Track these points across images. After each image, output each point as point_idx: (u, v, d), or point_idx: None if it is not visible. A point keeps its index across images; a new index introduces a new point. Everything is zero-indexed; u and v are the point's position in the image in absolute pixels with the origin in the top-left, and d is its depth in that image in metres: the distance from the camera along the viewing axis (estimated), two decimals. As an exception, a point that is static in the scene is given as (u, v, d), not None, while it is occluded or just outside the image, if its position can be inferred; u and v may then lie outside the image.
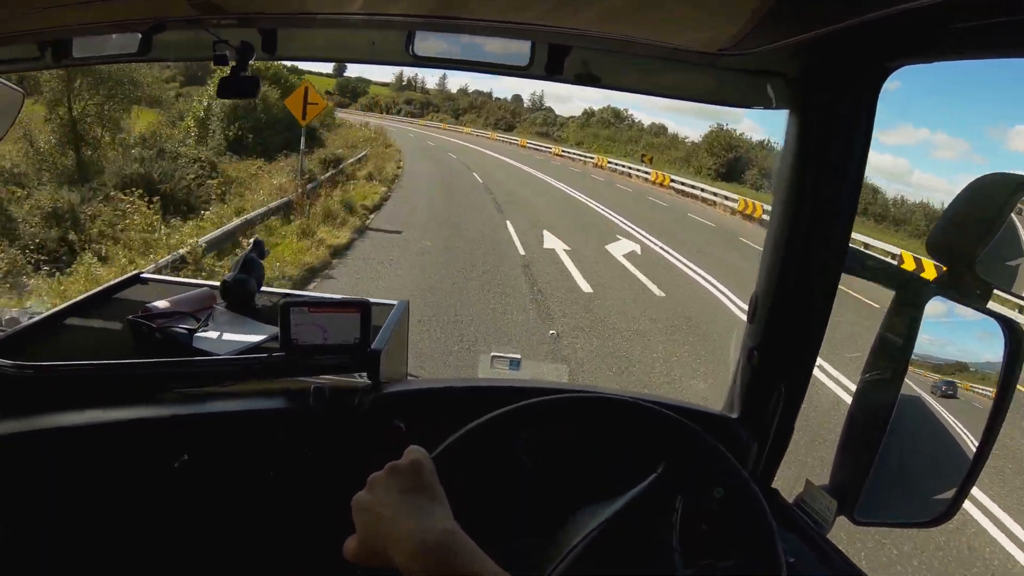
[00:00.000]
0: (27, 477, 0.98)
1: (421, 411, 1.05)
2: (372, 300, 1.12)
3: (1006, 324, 0.87)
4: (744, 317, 1.08)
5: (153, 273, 2.31)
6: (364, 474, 0.58)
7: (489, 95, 61.60)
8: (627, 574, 0.72)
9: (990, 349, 0.92)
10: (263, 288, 1.38)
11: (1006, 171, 0.81)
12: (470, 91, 62.32)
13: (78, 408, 1.01)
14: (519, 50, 0.99)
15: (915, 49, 0.79)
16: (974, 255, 0.81)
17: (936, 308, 0.91)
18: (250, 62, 1.08)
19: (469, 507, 0.58)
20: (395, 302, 1.34)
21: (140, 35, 1.11)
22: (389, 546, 0.52)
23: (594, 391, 0.90)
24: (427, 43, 1.02)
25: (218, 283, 1.34)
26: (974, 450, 0.91)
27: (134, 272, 1.44)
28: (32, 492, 0.99)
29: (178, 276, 1.59)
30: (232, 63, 1.07)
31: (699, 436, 0.79)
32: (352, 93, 60.18)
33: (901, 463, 0.98)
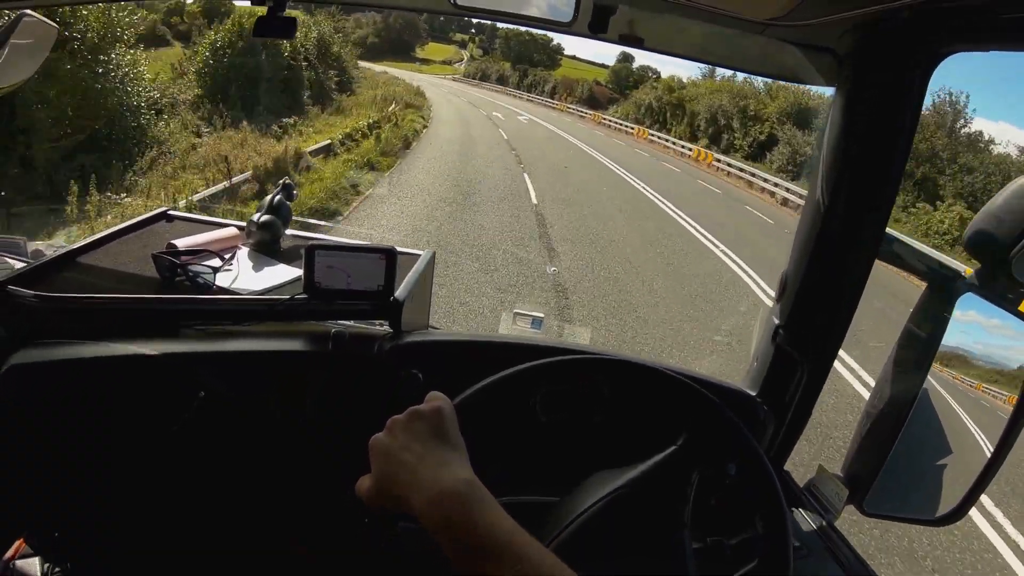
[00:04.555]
0: (43, 405, 0.99)
1: (440, 362, 1.05)
2: (399, 249, 1.11)
3: None
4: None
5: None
6: (376, 420, 0.57)
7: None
8: (633, 545, 0.72)
9: (1018, 353, 0.90)
10: (289, 231, 1.38)
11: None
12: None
13: (96, 340, 1.01)
14: (563, 5, 0.97)
15: (970, 36, 0.76)
16: (1010, 254, 0.78)
17: (967, 305, 0.89)
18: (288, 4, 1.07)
19: (485, 460, 0.57)
20: (421, 252, 1.32)
21: None
22: (406, 491, 0.51)
23: (619, 355, 0.89)
24: (470, -10, 0.99)
25: (244, 223, 1.34)
26: (989, 454, 0.89)
27: (161, 209, 1.45)
28: (48, 420, 1.00)
29: (204, 215, 1.58)
30: (269, 3, 1.06)
31: (722, 410, 0.78)
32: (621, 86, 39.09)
33: (916, 458, 0.97)
